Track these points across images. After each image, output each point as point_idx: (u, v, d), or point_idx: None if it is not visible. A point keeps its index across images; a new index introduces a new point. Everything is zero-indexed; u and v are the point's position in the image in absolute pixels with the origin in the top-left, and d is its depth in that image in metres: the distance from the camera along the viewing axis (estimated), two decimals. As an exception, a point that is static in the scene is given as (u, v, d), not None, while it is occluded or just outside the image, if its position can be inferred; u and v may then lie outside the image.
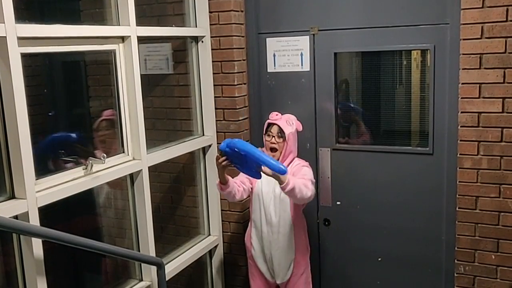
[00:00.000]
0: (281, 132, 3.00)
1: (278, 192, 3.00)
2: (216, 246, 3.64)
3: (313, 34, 3.33)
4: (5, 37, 2.04)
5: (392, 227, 3.31)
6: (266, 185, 3.06)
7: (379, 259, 3.39)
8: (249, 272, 3.33)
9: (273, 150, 3.03)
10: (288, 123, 3.03)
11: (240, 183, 3.02)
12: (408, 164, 3.20)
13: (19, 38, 2.10)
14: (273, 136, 3.02)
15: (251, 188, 3.11)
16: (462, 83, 2.82)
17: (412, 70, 3.22)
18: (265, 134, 3.09)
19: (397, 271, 3.35)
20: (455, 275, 3.04)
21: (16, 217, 2.14)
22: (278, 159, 2.99)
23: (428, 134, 3.11)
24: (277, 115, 3.06)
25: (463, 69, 2.80)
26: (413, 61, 3.21)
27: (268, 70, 3.51)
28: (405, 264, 3.32)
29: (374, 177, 3.31)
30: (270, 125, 3.05)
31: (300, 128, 3.11)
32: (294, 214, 3.08)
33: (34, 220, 2.19)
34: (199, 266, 3.65)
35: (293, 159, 3.09)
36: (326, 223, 3.50)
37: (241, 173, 2.98)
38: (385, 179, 3.28)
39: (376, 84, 3.31)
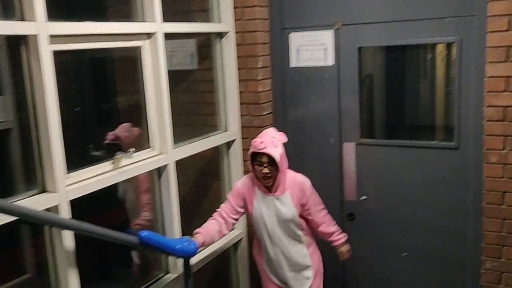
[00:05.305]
0: (271, 160, 2.74)
1: (282, 214, 2.85)
2: (240, 240, 3.67)
3: (337, 29, 3.32)
4: (37, 35, 2.10)
5: (417, 222, 3.29)
6: (266, 208, 2.87)
7: (404, 254, 3.38)
8: (262, 280, 3.18)
9: (266, 178, 2.80)
10: (274, 144, 2.76)
11: (227, 218, 2.87)
12: (433, 158, 3.18)
13: (50, 36, 2.15)
14: (265, 166, 2.76)
15: (248, 212, 2.97)
16: (488, 77, 2.79)
17: (437, 64, 3.20)
18: (252, 164, 2.82)
19: (422, 266, 3.34)
20: (482, 271, 3.01)
21: (48, 210, 2.19)
22: (273, 185, 2.83)
23: (454, 129, 3.08)
24: (261, 142, 2.74)
25: (489, 62, 2.77)
26: (438, 55, 3.19)
27: (292, 65, 3.52)
28: (430, 260, 3.30)
29: (399, 172, 3.30)
30: (258, 154, 2.77)
31: (285, 139, 2.87)
32: (303, 227, 2.94)
33: (65, 213, 2.25)
34: (224, 259, 3.69)
35: (285, 178, 2.87)
36: (351, 217, 3.50)
37: (227, 201, 2.92)
38: (410, 174, 3.26)
39: (401, 78, 3.30)
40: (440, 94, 3.20)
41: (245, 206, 2.95)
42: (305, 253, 2.98)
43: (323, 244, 3.10)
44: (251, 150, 2.78)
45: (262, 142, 2.74)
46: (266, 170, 2.76)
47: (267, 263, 3.05)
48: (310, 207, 2.91)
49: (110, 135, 3.07)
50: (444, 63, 3.15)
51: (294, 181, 2.88)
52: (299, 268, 2.98)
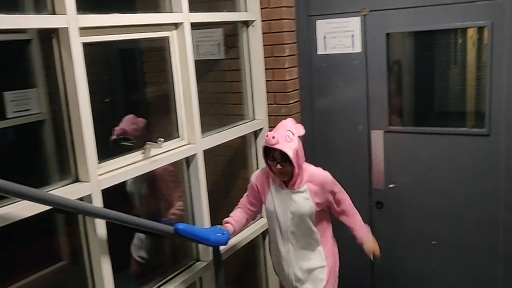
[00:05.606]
0: (284, 156, 2.57)
1: (298, 208, 2.71)
2: (268, 228, 3.69)
3: (364, 15, 3.28)
4: (67, 28, 2.13)
5: (447, 210, 3.26)
6: (279, 202, 2.76)
7: (433, 242, 3.35)
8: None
9: (281, 175, 2.68)
10: (288, 139, 2.55)
11: (247, 209, 2.91)
12: (464, 145, 3.13)
13: (80, 29, 2.19)
14: (278, 162, 2.60)
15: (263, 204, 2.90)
16: (522, 61, 2.72)
17: (467, 49, 3.13)
18: (266, 158, 2.68)
19: (452, 255, 3.30)
20: (514, 259, 2.97)
21: (81, 199, 2.24)
22: (290, 180, 2.70)
23: (484, 115, 3.03)
24: (273, 137, 2.53)
25: (523, 46, 2.70)
26: (468, 39, 3.12)
27: (319, 53, 3.50)
28: (460, 248, 3.26)
29: (428, 159, 3.26)
30: (270, 149, 2.61)
31: (303, 132, 2.67)
32: (319, 224, 2.79)
33: (97, 202, 2.30)
34: (252, 246, 3.72)
35: (303, 172, 2.72)
36: (379, 205, 3.48)
37: (246, 194, 2.93)
38: (439, 161, 3.22)
39: (430, 64, 3.25)
40: (471, 80, 3.14)
41: (261, 199, 2.89)
42: (320, 251, 2.82)
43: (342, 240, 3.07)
44: (263, 144, 2.64)
45: (274, 137, 2.54)
46: (279, 166, 2.60)
47: (276, 263, 2.96)
48: (332, 199, 2.79)
49: (117, 130, 2.99)
50: (475, 48, 3.08)
51: (313, 176, 2.72)
52: (311, 267, 2.81)
